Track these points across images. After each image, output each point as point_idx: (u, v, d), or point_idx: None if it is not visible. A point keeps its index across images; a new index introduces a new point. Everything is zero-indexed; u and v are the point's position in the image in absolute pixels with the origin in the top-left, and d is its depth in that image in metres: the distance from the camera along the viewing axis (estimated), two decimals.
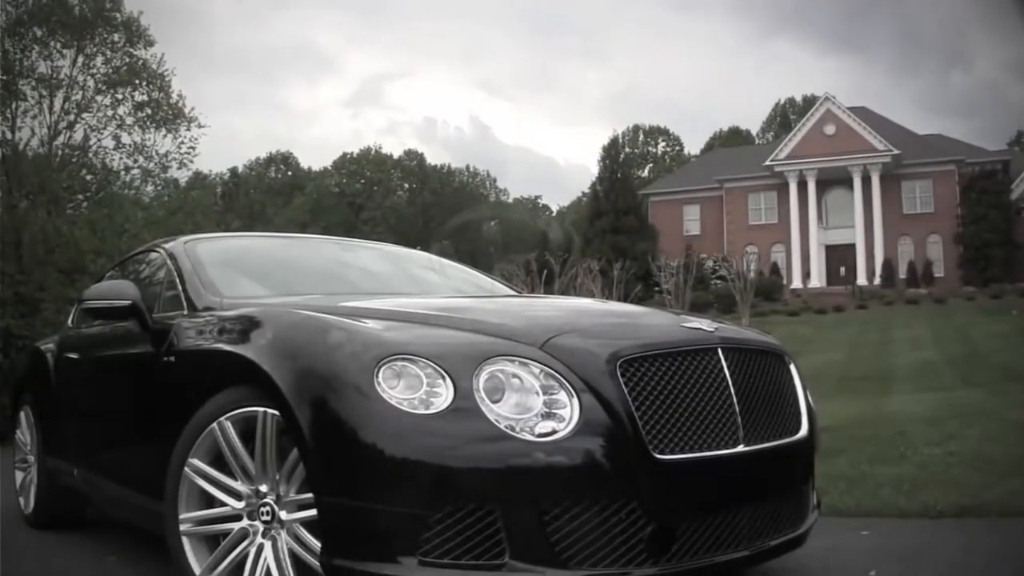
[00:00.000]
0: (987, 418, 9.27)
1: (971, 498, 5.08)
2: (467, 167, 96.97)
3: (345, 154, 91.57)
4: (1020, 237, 51.98)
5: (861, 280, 53.67)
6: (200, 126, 25.25)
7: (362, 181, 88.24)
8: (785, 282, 53.92)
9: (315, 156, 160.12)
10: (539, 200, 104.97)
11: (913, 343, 28.24)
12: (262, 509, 3.16)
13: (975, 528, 4.64)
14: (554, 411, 2.85)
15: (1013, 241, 51.69)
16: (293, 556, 3.05)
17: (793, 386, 3.61)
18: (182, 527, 3.32)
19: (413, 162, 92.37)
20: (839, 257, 56.86)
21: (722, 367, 3.20)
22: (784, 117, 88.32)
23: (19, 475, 6.19)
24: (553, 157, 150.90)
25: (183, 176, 30.12)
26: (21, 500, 6.06)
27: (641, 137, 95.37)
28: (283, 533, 3.10)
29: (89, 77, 23.59)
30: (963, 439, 7.63)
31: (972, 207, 52.73)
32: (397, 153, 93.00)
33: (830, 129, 56.85)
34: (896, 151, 54.95)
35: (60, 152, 23.10)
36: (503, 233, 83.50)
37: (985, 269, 50.51)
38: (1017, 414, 9.41)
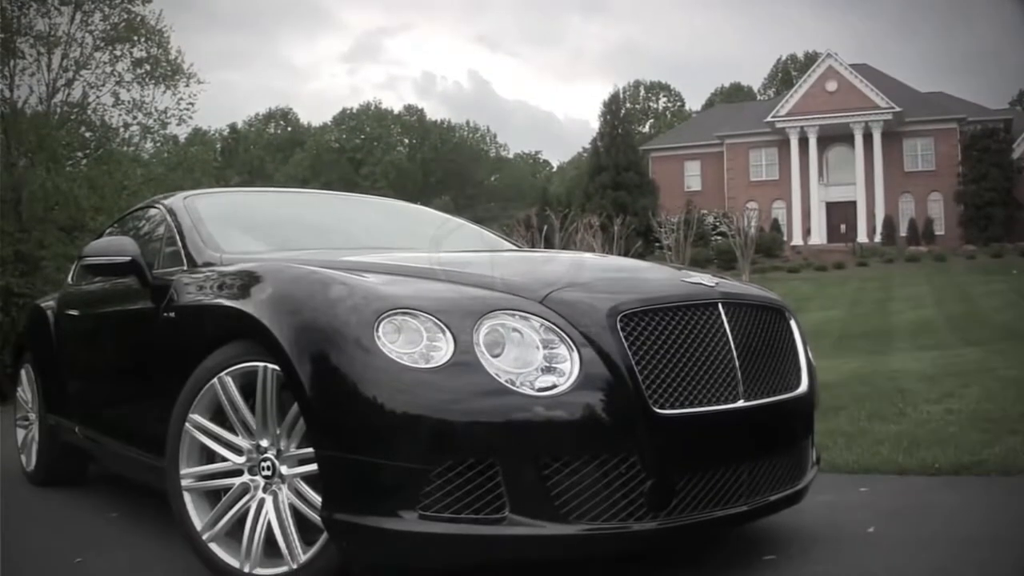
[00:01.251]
0: (986, 376, 9.27)
1: (970, 456, 5.08)
2: (467, 122, 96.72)
3: (345, 109, 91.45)
4: (1021, 196, 51.90)
5: (862, 237, 53.66)
6: (199, 82, 25.10)
7: (362, 136, 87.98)
8: (786, 239, 53.89)
9: (314, 112, 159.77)
10: (539, 155, 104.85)
11: (913, 301, 28.29)
12: (263, 464, 3.17)
13: (974, 486, 4.65)
14: (554, 365, 2.85)
15: (1014, 200, 51.64)
16: (294, 510, 3.06)
17: (793, 342, 3.60)
18: (183, 482, 3.32)
19: (413, 117, 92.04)
20: (840, 214, 56.82)
21: (722, 322, 3.19)
22: (786, 73, 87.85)
23: (20, 433, 6.20)
24: (553, 112, 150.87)
25: (182, 132, 30.18)
26: (23, 458, 6.07)
27: (642, 93, 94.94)
28: (284, 488, 3.11)
29: (87, 34, 23.38)
30: (962, 397, 7.64)
31: (973, 165, 52.67)
32: (396, 108, 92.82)
33: (832, 86, 56.64)
34: (898, 108, 54.81)
35: (59, 110, 22.95)
36: (503, 188, 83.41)
37: (986, 228, 50.49)
38: (1016, 372, 9.42)
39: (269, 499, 3.14)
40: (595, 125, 57.65)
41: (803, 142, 57.09)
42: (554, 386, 2.80)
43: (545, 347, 2.87)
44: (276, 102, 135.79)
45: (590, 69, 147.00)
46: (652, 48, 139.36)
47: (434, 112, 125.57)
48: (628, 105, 78.25)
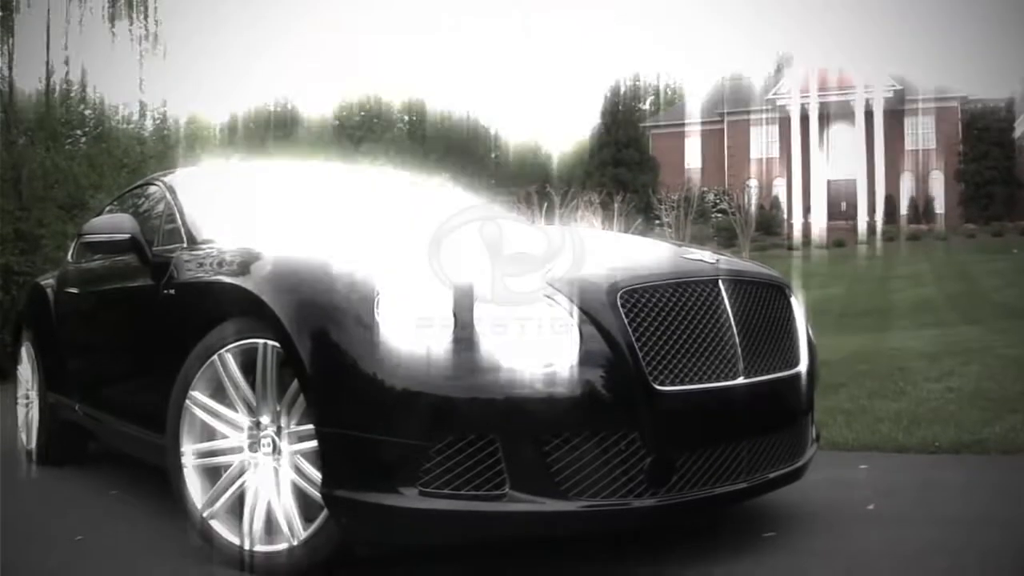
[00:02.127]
0: (986, 355, 9.27)
1: (969, 434, 5.09)
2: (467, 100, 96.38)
3: (344, 97, 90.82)
4: (1022, 175, 51.79)
5: (862, 215, 53.54)
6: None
7: (361, 114, 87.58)
8: (786, 216, 53.80)
9: (313, 98, 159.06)
10: (540, 132, 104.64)
11: (913, 279, 28.25)
12: (263, 441, 3.17)
13: (973, 464, 4.66)
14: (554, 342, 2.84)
15: (1015, 179, 51.53)
16: (294, 487, 3.06)
17: (793, 319, 3.60)
18: (183, 459, 3.33)
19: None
20: (840, 192, 56.67)
21: (723, 299, 3.18)
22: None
23: (21, 411, 6.18)
24: (554, 89, 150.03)
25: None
26: (23, 436, 6.06)
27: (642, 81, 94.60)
28: (284, 465, 3.11)
29: (87, 12, 23.27)
30: (962, 375, 7.64)
31: (974, 144, 52.55)
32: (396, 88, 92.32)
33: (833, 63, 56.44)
34: (899, 86, 54.59)
35: (58, 88, 22.85)
36: (504, 165, 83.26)
37: (986, 207, 50.40)
38: (1016, 351, 9.42)
39: (269, 476, 3.14)
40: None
41: (804, 119, 56.90)
42: (554, 362, 2.80)
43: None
44: (275, 86, 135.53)
45: (591, 47, 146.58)
46: (652, 29, 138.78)
47: (434, 89, 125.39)
48: (629, 83, 78.00)
